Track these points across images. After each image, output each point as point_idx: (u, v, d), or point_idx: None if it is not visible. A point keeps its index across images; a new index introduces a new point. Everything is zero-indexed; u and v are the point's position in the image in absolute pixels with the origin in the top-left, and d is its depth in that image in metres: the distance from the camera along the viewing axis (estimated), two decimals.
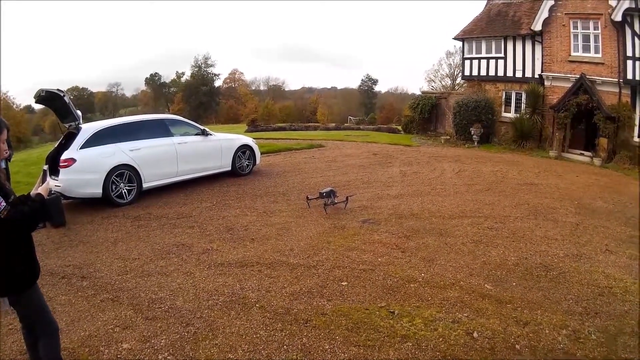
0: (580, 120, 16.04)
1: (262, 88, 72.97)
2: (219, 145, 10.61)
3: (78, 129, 8.70)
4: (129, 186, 8.80)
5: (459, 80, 42.89)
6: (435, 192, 9.05)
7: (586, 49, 15.97)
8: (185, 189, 9.75)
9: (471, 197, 8.68)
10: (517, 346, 3.64)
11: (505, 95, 19.20)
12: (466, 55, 20.71)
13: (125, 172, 8.73)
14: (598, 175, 12.09)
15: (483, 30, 19.68)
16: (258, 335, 3.92)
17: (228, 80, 70.92)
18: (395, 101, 60.60)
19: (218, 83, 68.95)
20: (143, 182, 9.04)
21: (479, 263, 5.35)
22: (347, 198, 7.97)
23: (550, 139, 16.70)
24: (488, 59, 19.52)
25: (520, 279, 4.94)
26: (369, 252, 5.71)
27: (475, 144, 17.96)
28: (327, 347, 3.69)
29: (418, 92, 35.83)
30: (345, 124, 33.11)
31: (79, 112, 8.85)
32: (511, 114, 18.68)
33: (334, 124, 32.30)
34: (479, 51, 19.91)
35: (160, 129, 9.71)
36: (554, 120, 16.47)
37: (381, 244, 6.04)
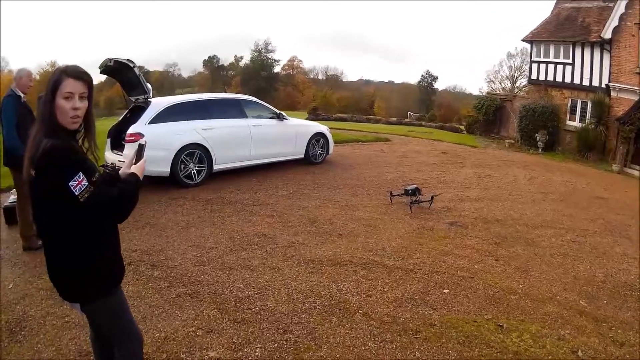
0: None
1: (320, 77, 71.30)
2: (293, 131, 9.96)
3: (147, 103, 7.97)
4: (198, 167, 8.13)
5: (518, 83, 41.38)
6: (513, 199, 8.79)
7: None
8: (257, 174, 9.18)
9: (549, 206, 8.41)
10: None
11: (571, 103, 18.23)
12: (534, 59, 19.83)
13: (196, 152, 8.04)
14: None
15: (551, 34, 18.80)
16: (367, 347, 3.47)
17: (286, 67, 69.72)
18: (453, 100, 57.28)
19: (277, 69, 67.64)
20: (214, 163, 8.35)
21: (570, 277, 5.22)
22: (432, 197, 7.64)
23: (614, 152, 15.77)
24: (555, 63, 18.62)
25: (609, 297, 4.79)
26: (464, 258, 5.54)
27: (540, 150, 17.24)
28: None
29: (476, 92, 34.74)
30: (405, 120, 32.53)
31: (149, 85, 8.25)
32: (575, 123, 17.79)
33: (395, 119, 31.74)
34: (546, 55, 19.01)
35: (234, 109, 8.98)
36: (618, 132, 15.52)
37: (474, 249, 5.87)
